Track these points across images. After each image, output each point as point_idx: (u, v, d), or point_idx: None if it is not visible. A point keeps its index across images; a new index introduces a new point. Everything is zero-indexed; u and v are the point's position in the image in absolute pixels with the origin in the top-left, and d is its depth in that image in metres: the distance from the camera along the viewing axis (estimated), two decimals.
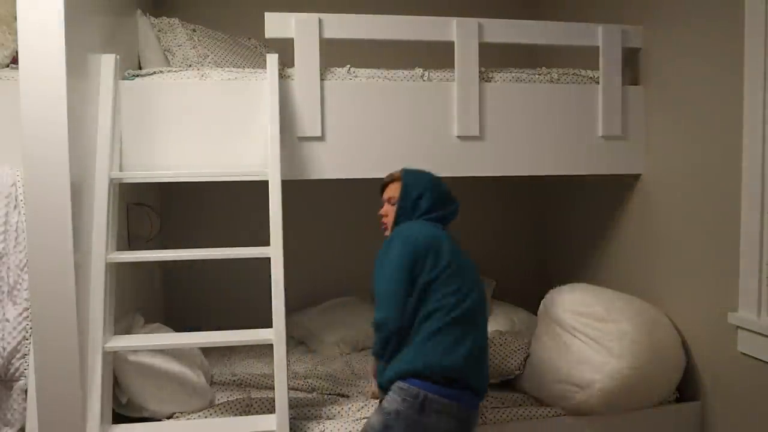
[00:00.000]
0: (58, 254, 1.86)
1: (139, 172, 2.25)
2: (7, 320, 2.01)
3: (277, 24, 2.34)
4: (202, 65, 2.64)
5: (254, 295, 2.93)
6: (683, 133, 2.43)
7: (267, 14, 2.33)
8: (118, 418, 2.11)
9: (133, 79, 2.30)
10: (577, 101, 2.57)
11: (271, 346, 2.04)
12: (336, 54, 2.54)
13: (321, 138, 2.38)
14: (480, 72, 2.48)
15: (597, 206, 3.07)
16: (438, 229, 1.93)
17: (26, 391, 2.00)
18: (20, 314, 2.02)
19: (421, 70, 2.48)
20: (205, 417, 2.18)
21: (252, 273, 2.95)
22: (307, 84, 2.35)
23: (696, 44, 2.34)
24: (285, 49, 2.39)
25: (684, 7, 2.40)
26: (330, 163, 2.39)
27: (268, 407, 2.23)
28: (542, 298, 2.53)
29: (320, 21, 2.35)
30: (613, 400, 2.19)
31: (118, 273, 2.18)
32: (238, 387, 2.53)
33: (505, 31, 2.52)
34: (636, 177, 2.71)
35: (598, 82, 2.59)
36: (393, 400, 1.78)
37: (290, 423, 2.00)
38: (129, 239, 2.56)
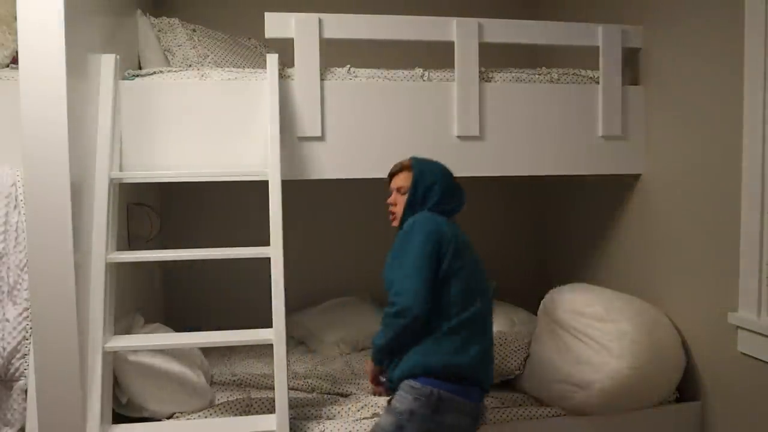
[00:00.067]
0: (58, 254, 1.86)
1: (139, 172, 2.25)
2: (7, 320, 2.01)
3: (277, 24, 2.34)
4: (202, 65, 2.64)
5: (254, 295, 2.93)
6: (683, 133, 2.43)
7: (267, 14, 2.33)
8: (118, 418, 2.11)
9: (133, 79, 2.30)
10: (577, 101, 2.57)
11: (271, 346, 2.04)
12: (336, 54, 2.53)
13: (321, 138, 2.38)
14: (480, 72, 2.48)
15: (597, 206, 3.07)
16: (453, 225, 1.90)
17: (26, 391, 2.00)
18: (20, 314, 2.02)
19: (421, 70, 2.48)
20: (205, 417, 2.18)
21: (252, 273, 2.94)
22: (307, 84, 2.35)
23: (696, 44, 2.34)
24: (285, 49, 2.39)
25: (684, 7, 2.40)
26: (330, 163, 2.39)
27: (268, 407, 2.23)
28: (542, 298, 2.53)
29: (320, 21, 2.35)
30: (613, 400, 2.19)
31: (118, 273, 2.18)
32: (238, 387, 2.52)
33: (505, 31, 2.52)
34: (636, 177, 2.71)
35: (598, 82, 2.59)
36: (404, 399, 1.75)
37: (290, 423, 2.00)
38: (129, 239, 2.55)
